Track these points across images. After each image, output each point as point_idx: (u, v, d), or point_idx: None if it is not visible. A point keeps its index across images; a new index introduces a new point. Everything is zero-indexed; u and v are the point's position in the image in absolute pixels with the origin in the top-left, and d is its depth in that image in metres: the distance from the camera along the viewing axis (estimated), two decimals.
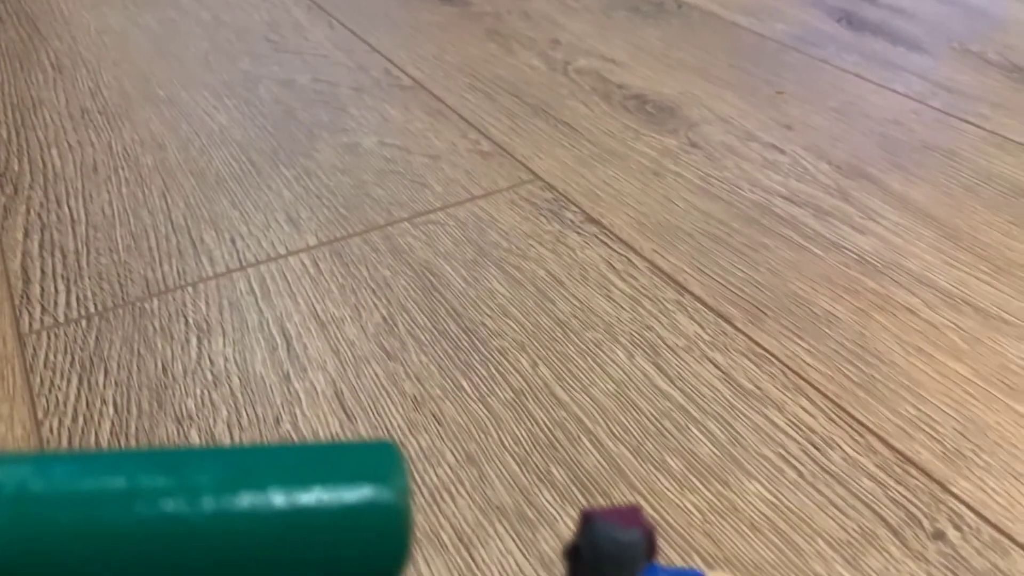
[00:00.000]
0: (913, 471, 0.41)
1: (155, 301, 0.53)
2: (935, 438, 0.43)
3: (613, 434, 0.43)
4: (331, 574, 0.18)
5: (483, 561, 0.37)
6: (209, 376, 0.47)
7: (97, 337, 0.50)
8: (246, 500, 0.17)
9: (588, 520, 0.21)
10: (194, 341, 0.49)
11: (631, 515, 0.21)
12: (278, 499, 0.17)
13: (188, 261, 0.56)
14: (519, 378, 0.47)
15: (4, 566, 0.16)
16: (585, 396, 0.45)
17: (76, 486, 0.17)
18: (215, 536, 0.17)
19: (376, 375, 0.47)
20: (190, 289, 0.54)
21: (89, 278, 0.55)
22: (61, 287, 0.54)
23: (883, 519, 0.39)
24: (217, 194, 0.64)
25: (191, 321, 0.51)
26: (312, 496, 0.17)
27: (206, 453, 0.18)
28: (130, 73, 0.84)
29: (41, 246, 0.58)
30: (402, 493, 0.18)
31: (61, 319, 0.51)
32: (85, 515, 0.16)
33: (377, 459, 0.18)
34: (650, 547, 0.21)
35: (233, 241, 0.58)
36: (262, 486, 0.17)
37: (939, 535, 0.38)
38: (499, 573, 0.36)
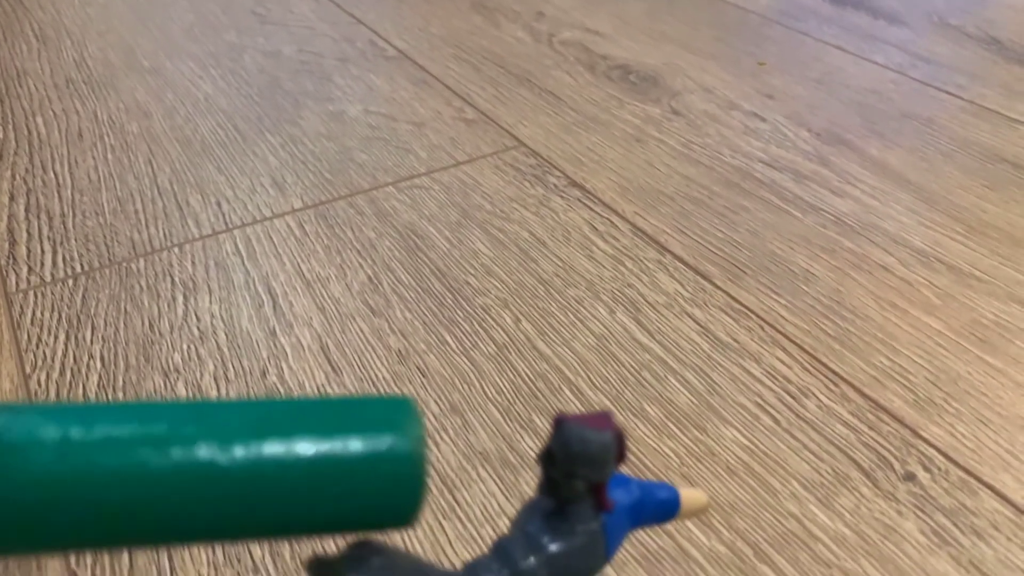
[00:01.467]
0: (886, 418, 0.42)
1: (141, 261, 0.53)
2: (907, 387, 0.44)
3: (594, 384, 0.44)
4: (353, 518, 0.19)
5: (466, 503, 0.38)
6: (195, 332, 0.47)
7: (84, 295, 0.50)
8: (275, 448, 0.18)
9: (560, 424, 0.21)
10: (180, 299, 0.50)
11: (602, 419, 0.22)
12: (306, 447, 0.18)
13: (174, 223, 0.57)
14: (502, 333, 0.47)
15: (48, 509, 0.16)
16: (567, 350, 0.46)
17: (115, 432, 0.17)
18: (246, 482, 0.18)
19: (361, 331, 0.48)
20: (176, 250, 0.54)
21: (75, 240, 0.55)
22: (47, 248, 0.54)
23: (856, 462, 0.40)
24: (203, 160, 0.64)
25: (177, 280, 0.51)
26: (336, 444, 0.18)
27: (233, 405, 0.19)
28: (115, 44, 0.84)
29: (27, 209, 0.58)
30: (419, 442, 0.19)
31: (48, 279, 0.52)
32: (125, 460, 0.17)
33: (395, 411, 0.20)
34: (620, 450, 0.22)
35: (219, 204, 0.59)
36: (290, 434, 0.18)
37: (909, 476, 0.39)
38: (481, 513, 0.37)
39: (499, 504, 0.37)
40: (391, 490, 0.19)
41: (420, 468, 0.19)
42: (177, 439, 0.17)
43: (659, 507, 0.26)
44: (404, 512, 0.19)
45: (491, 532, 0.36)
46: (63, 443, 0.17)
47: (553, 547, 0.22)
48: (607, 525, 0.24)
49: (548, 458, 0.22)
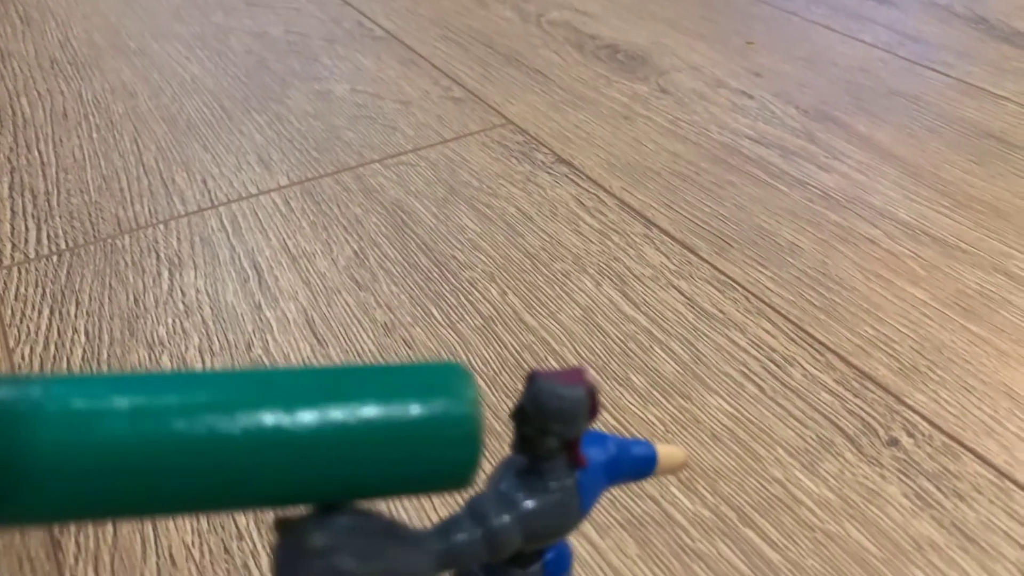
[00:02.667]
0: (870, 385, 0.42)
1: (127, 238, 0.53)
2: (892, 355, 0.44)
3: (579, 355, 0.44)
4: (413, 479, 0.19)
5: None
6: (181, 306, 0.47)
7: (68, 271, 0.50)
8: (339, 413, 0.18)
9: (532, 379, 0.21)
10: (166, 274, 0.50)
11: (575, 375, 0.21)
12: (369, 411, 0.19)
13: (160, 200, 0.57)
14: (488, 306, 0.47)
15: (120, 477, 0.17)
16: (553, 322, 0.46)
17: (183, 400, 0.17)
18: (311, 446, 0.18)
19: (347, 304, 0.47)
20: (161, 227, 0.54)
21: (60, 217, 0.55)
22: (32, 225, 0.54)
23: (840, 428, 0.40)
24: (189, 138, 0.64)
25: (163, 256, 0.51)
26: (396, 408, 0.19)
27: (290, 372, 0.19)
28: (100, 26, 0.83)
29: (11, 188, 0.58)
30: (475, 405, 0.20)
31: (32, 255, 0.51)
32: (195, 427, 0.17)
33: (450, 376, 0.20)
34: (593, 405, 0.22)
35: (205, 182, 0.59)
36: (352, 399, 0.19)
37: (893, 442, 0.39)
38: None
39: (485, 472, 0.37)
40: (450, 451, 0.19)
41: (477, 429, 0.20)
42: (244, 405, 0.18)
43: (635, 463, 0.25)
44: (462, 472, 0.20)
45: None
46: (134, 411, 0.17)
47: (527, 504, 0.22)
48: (582, 482, 0.24)
49: (521, 414, 0.22)
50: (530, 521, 0.22)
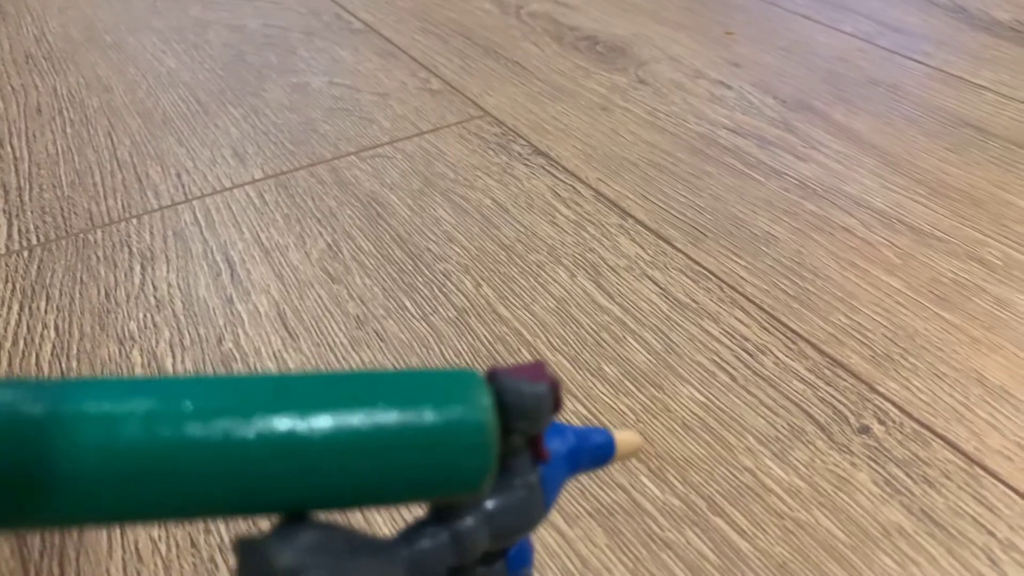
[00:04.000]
0: (842, 373, 0.42)
1: (99, 232, 0.52)
2: (865, 344, 0.44)
3: (552, 345, 0.44)
4: (426, 485, 0.19)
5: None
6: (152, 301, 0.47)
7: (39, 267, 0.50)
8: (355, 418, 0.18)
9: (493, 376, 0.21)
10: (137, 269, 0.49)
11: (536, 370, 0.21)
12: (385, 417, 0.19)
13: (133, 195, 0.56)
14: (462, 298, 0.47)
15: (134, 481, 0.17)
16: (526, 313, 0.46)
17: (199, 405, 0.18)
18: (326, 452, 0.18)
19: (319, 297, 0.47)
20: (134, 221, 0.54)
21: (31, 212, 0.54)
22: (2, 221, 0.53)
23: (811, 417, 0.40)
24: (164, 133, 0.63)
25: (135, 250, 0.51)
26: (410, 414, 0.19)
27: (304, 378, 0.19)
28: (76, 20, 0.83)
29: None
30: (488, 412, 0.20)
31: (2, 251, 0.51)
32: (211, 431, 0.17)
33: (464, 383, 0.20)
34: (556, 399, 0.21)
35: (179, 176, 0.58)
36: (367, 405, 0.19)
37: (864, 429, 0.39)
38: None
39: None
40: (464, 458, 0.19)
41: (491, 436, 0.20)
42: (260, 410, 0.18)
43: (595, 452, 0.25)
44: (475, 479, 0.20)
45: None
46: (150, 416, 0.17)
47: (492, 503, 0.22)
48: (544, 475, 0.23)
49: None
50: (496, 520, 0.22)
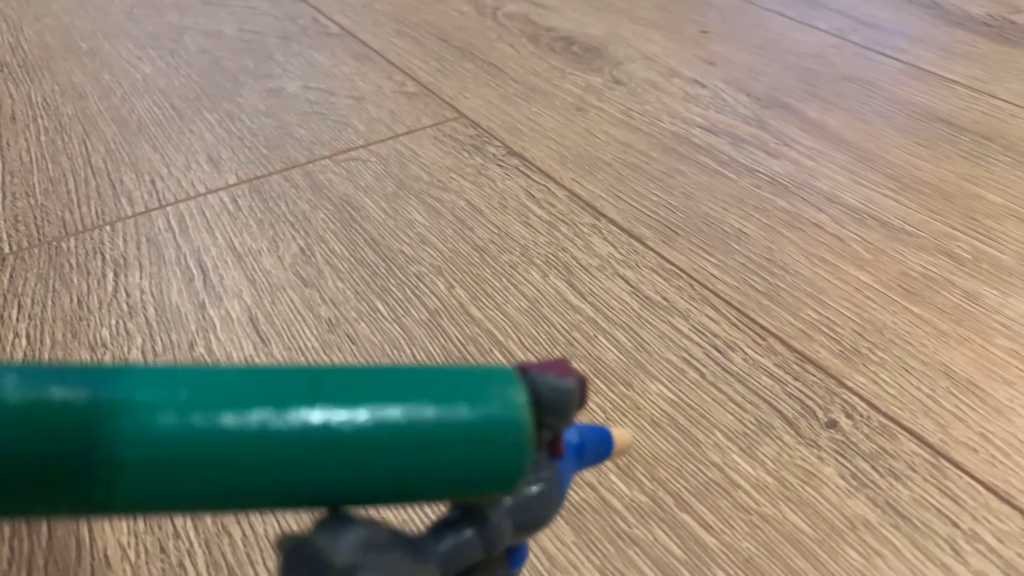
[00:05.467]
0: (811, 368, 0.43)
1: (72, 240, 0.52)
2: (834, 338, 0.44)
3: (524, 345, 0.44)
4: (461, 482, 0.19)
5: None
6: (125, 307, 0.47)
7: (11, 275, 0.49)
8: (394, 413, 0.18)
9: (524, 372, 0.21)
10: (111, 276, 0.49)
11: (562, 366, 0.21)
12: (423, 412, 0.19)
13: (107, 202, 0.56)
14: (435, 299, 0.47)
15: (169, 470, 0.17)
16: (498, 313, 0.46)
17: (240, 396, 0.18)
18: (363, 446, 0.18)
19: (292, 301, 0.47)
20: (108, 228, 0.54)
21: (4, 220, 0.54)
22: None
23: (779, 412, 0.40)
24: (138, 139, 0.63)
25: (108, 257, 0.51)
26: (447, 411, 0.19)
27: (340, 370, 0.19)
28: (52, 27, 0.82)
29: None
30: (524, 410, 0.20)
31: None
32: (248, 422, 0.17)
33: (500, 380, 0.20)
34: (582, 396, 0.21)
35: (153, 182, 0.58)
36: (406, 400, 0.19)
37: (832, 424, 0.40)
38: None
39: None
40: (500, 455, 0.19)
41: (528, 434, 0.20)
42: (298, 402, 0.18)
43: (597, 448, 0.26)
44: (510, 477, 0.20)
45: None
46: (191, 404, 0.17)
47: (514, 498, 0.22)
48: (559, 470, 0.24)
49: None
50: (520, 514, 0.22)
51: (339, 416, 0.18)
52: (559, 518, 0.35)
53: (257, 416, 0.17)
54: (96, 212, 0.55)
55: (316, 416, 0.18)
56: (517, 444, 0.19)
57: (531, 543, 0.34)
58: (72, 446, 0.16)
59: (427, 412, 0.19)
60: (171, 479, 0.17)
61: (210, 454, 0.17)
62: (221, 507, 0.18)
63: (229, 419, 0.17)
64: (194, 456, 0.17)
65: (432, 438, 0.19)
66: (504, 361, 0.43)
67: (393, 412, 0.18)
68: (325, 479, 0.18)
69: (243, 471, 0.17)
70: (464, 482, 0.19)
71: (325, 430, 0.18)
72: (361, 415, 0.18)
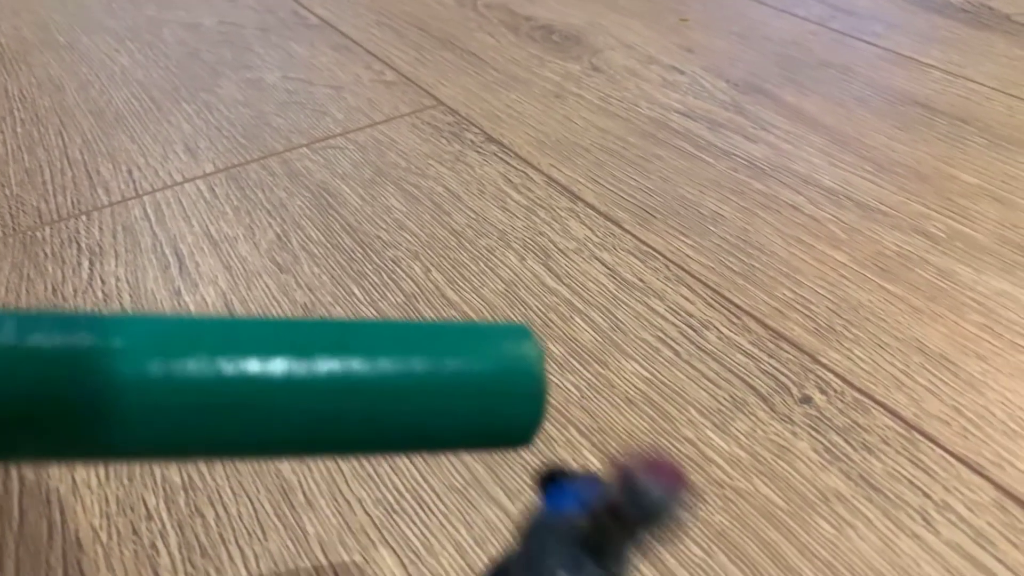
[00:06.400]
0: (785, 346, 0.43)
1: (47, 229, 0.52)
2: (808, 316, 0.45)
3: None
4: (479, 433, 0.20)
5: None
6: (100, 295, 0.47)
7: None
8: (419, 363, 0.19)
9: (629, 478, 0.19)
10: (86, 264, 0.49)
11: (669, 471, 0.19)
12: (446, 363, 0.19)
13: (83, 192, 0.56)
14: (411, 283, 0.47)
15: (195, 415, 0.17)
16: (475, 296, 0.46)
17: (264, 343, 0.18)
18: (388, 394, 0.18)
19: (267, 287, 0.47)
20: (84, 217, 0.53)
21: None
22: None
23: (753, 388, 0.40)
24: (115, 130, 0.63)
25: (83, 246, 0.51)
26: (466, 362, 0.19)
27: (360, 324, 0.19)
28: (29, 21, 0.82)
29: None
30: (541, 362, 0.20)
31: None
32: (272, 369, 0.18)
33: (517, 335, 0.20)
34: (679, 502, 0.20)
35: (130, 172, 0.58)
36: (430, 352, 0.19)
37: (806, 399, 0.40)
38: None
39: None
40: (517, 407, 0.20)
41: (543, 387, 0.20)
42: (321, 351, 0.18)
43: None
44: (526, 429, 0.20)
45: (393, 478, 0.36)
46: (212, 351, 0.17)
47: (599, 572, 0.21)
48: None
49: (614, 512, 0.19)
50: None
51: (365, 364, 0.18)
52: (532, 494, 0.35)
53: (282, 364, 0.18)
54: (72, 202, 0.55)
55: (338, 365, 0.18)
56: (533, 396, 0.20)
57: (504, 519, 0.34)
58: (71, 389, 0.16)
59: (449, 363, 0.19)
60: (195, 423, 0.17)
61: (232, 399, 0.17)
62: (244, 453, 0.18)
63: (254, 365, 0.17)
64: (218, 401, 0.17)
65: (452, 388, 0.19)
66: None
67: (413, 363, 0.19)
68: (347, 425, 0.18)
69: (267, 418, 0.17)
70: (482, 433, 0.20)
71: (347, 378, 0.18)
72: (384, 364, 0.18)
